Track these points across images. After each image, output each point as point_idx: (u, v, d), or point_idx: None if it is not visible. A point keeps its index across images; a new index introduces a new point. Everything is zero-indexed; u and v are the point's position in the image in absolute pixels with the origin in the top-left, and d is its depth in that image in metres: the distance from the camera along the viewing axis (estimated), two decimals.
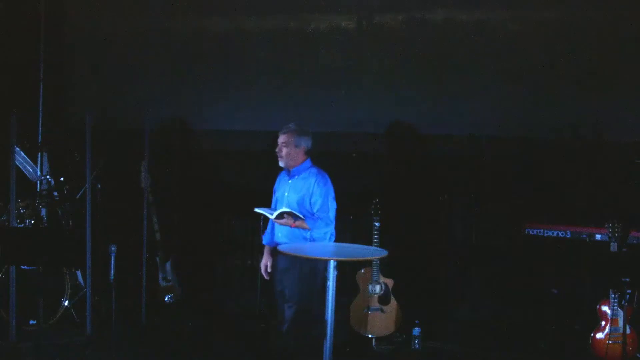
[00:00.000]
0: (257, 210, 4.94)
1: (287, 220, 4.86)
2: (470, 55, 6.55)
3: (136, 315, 6.28)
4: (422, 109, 6.65)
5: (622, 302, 5.34)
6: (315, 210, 4.96)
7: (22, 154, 6.39)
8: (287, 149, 5.03)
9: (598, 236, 5.82)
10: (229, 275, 7.05)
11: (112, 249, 5.44)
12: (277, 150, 5.06)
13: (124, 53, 7.26)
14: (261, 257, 5.28)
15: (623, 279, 4.94)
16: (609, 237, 5.41)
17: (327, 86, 6.88)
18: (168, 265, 6.67)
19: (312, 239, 4.94)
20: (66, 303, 6.14)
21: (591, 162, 6.27)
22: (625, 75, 6.20)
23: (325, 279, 4.81)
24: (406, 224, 6.44)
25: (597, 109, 6.24)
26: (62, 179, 6.48)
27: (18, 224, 6.05)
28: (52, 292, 6.04)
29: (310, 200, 4.97)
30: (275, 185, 5.22)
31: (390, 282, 6.03)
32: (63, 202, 6.43)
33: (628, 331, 5.24)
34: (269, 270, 5.19)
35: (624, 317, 5.32)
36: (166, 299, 6.60)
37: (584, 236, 5.90)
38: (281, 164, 5.07)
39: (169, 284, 6.65)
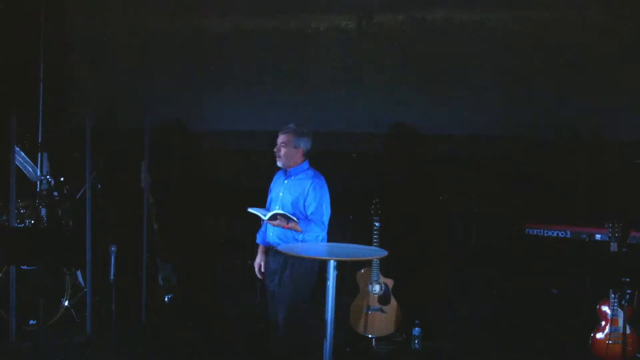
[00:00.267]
0: (250, 210, 4.94)
1: (279, 221, 4.86)
2: (470, 55, 6.55)
3: (136, 315, 6.28)
4: (422, 108, 6.65)
5: (622, 302, 5.34)
6: (308, 213, 4.95)
7: (22, 154, 6.38)
8: (286, 149, 5.02)
9: (598, 236, 5.82)
10: (229, 275, 7.04)
11: (112, 249, 5.45)
12: (275, 149, 5.05)
13: (124, 53, 7.27)
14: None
15: (623, 279, 4.94)
16: (609, 237, 5.41)
17: (327, 86, 6.89)
18: (168, 267, 6.66)
19: (304, 242, 4.94)
20: (66, 303, 6.15)
21: (591, 162, 6.27)
22: (625, 75, 6.20)
23: (317, 280, 4.83)
24: (406, 224, 6.44)
25: (597, 109, 6.24)
26: (62, 179, 6.47)
27: (18, 224, 6.05)
28: (52, 292, 6.04)
29: (304, 202, 4.96)
30: (271, 185, 5.20)
31: (390, 282, 6.03)
32: (63, 202, 6.43)
33: (628, 331, 5.23)
34: (262, 270, 5.19)
35: (624, 317, 5.32)
36: (166, 299, 6.60)
37: (584, 236, 5.90)
38: (279, 163, 5.07)
39: (169, 283, 6.65)
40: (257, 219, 4.98)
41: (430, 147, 6.66)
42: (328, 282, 4.44)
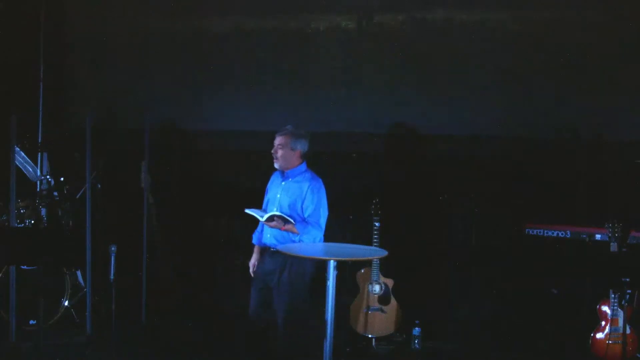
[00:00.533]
0: (247, 211, 4.94)
1: (276, 223, 4.86)
2: (470, 55, 6.55)
3: (136, 315, 6.28)
4: (422, 108, 6.65)
5: (622, 302, 5.34)
6: (306, 215, 4.95)
7: (22, 154, 6.39)
8: (283, 151, 5.01)
9: (598, 236, 5.82)
10: (229, 275, 7.04)
11: (112, 249, 5.44)
12: (272, 151, 5.05)
13: (124, 53, 7.27)
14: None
15: (623, 279, 4.94)
16: (609, 237, 5.41)
17: (327, 86, 6.89)
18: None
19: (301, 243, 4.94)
20: (66, 303, 6.15)
21: (591, 162, 6.27)
22: (626, 75, 6.20)
23: (312, 281, 4.83)
24: (406, 224, 6.44)
25: (597, 109, 6.24)
26: (62, 179, 6.47)
27: (18, 224, 6.05)
28: (52, 292, 6.04)
29: (302, 204, 4.96)
30: (268, 186, 5.19)
31: (390, 282, 6.03)
32: (63, 202, 6.43)
33: (628, 331, 5.23)
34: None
35: (624, 317, 5.32)
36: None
37: (584, 236, 5.90)
38: (276, 165, 5.06)
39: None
40: (257, 219, 4.98)
41: (430, 147, 6.66)
42: (328, 282, 4.44)
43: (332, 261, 4.43)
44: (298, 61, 6.97)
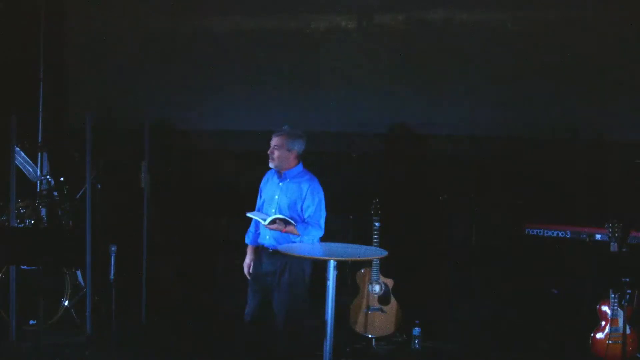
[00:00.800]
0: (249, 215, 4.96)
1: (278, 225, 4.86)
2: (470, 55, 6.55)
3: (136, 315, 6.28)
4: (422, 108, 6.65)
5: (622, 302, 5.34)
6: (306, 216, 4.95)
7: (22, 154, 6.39)
8: (279, 151, 5.00)
9: (598, 236, 5.82)
10: (229, 275, 7.03)
11: (112, 249, 5.44)
12: (269, 152, 5.04)
13: (123, 53, 7.27)
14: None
15: (623, 279, 4.93)
16: (609, 237, 5.41)
17: (327, 86, 6.89)
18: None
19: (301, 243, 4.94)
20: (66, 303, 6.14)
21: (591, 162, 6.27)
22: (626, 76, 6.19)
23: (309, 281, 4.82)
24: (406, 224, 6.44)
25: (597, 109, 6.24)
26: (62, 179, 6.47)
27: (18, 224, 6.05)
28: (52, 292, 6.03)
29: (302, 205, 4.95)
30: (261, 186, 5.17)
31: (390, 282, 6.03)
32: (63, 202, 6.43)
33: (628, 331, 5.23)
34: (251, 270, 5.20)
35: (624, 317, 5.31)
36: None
37: (584, 236, 5.90)
38: (272, 165, 5.05)
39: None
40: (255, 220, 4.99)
41: (430, 147, 6.66)
42: (328, 282, 4.44)
43: (332, 261, 4.43)
44: (298, 61, 6.97)
